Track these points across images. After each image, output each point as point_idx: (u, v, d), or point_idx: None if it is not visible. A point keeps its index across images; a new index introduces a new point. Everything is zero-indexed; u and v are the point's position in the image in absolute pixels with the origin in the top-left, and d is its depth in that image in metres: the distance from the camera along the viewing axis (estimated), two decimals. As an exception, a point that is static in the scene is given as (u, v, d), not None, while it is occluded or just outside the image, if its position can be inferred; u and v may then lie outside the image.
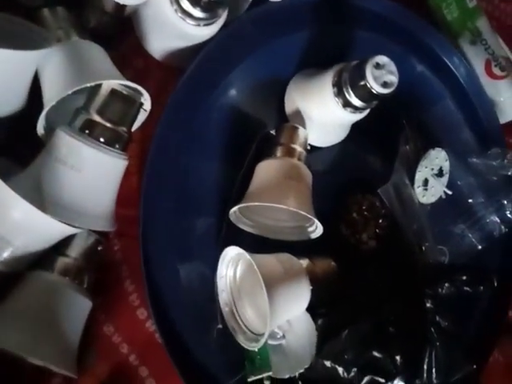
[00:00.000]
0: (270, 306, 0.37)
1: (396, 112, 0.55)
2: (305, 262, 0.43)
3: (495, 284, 0.46)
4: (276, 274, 0.38)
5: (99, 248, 0.40)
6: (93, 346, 0.41)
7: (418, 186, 0.55)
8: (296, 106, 0.47)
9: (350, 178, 0.51)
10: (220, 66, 0.46)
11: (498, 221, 0.59)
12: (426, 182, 0.56)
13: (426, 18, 0.61)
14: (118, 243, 0.43)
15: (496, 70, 0.61)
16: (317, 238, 0.48)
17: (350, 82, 0.42)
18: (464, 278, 0.44)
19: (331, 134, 0.49)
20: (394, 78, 0.41)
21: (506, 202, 0.59)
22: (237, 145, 0.46)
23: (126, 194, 0.42)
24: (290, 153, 0.44)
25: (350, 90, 0.43)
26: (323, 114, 0.46)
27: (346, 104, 0.44)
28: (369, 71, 0.40)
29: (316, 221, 0.42)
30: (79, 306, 0.38)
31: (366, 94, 0.42)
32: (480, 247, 0.58)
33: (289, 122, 0.47)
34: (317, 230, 0.44)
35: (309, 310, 0.44)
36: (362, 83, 0.41)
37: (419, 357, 0.41)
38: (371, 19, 0.52)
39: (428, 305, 0.44)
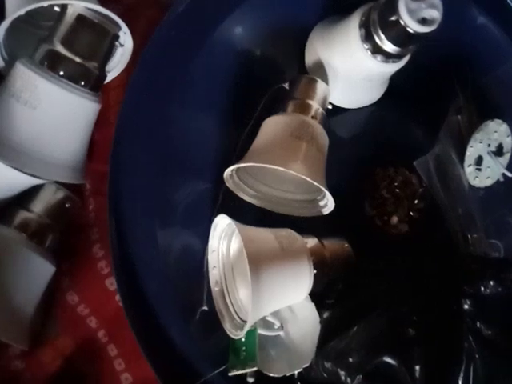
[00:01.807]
0: (254, 288, 0.29)
1: (447, 73, 0.44)
2: (312, 242, 0.35)
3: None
4: (269, 252, 0.31)
5: (67, 205, 0.34)
6: (55, 315, 0.35)
7: (470, 165, 0.45)
8: (318, 56, 0.39)
9: (381, 149, 0.42)
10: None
11: None
12: (479, 161, 0.45)
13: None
14: (93, 202, 0.38)
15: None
16: (334, 216, 0.39)
17: (379, 20, 0.33)
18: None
19: (359, 92, 0.40)
20: (436, 14, 0.32)
21: None
22: (242, 98, 0.38)
23: (106, 148, 0.36)
24: (303, 109, 0.36)
25: (379, 31, 0.34)
26: (349, 66, 0.37)
27: (376, 50, 0.35)
28: (402, 3, 0.31)
29: (326, 192, 0.34)
30: (37, 269, 0.33)
31: (399, 35, 0.33)
32: (545, 244, 0.47)
33: (307, 75, 0.39)
34: (328, 204, 0.35)
35: (315, 298, 0.36)
36: (394, 19, 0.32)
37: (448, 370, 0.32)
38: None
39: (466, 306, 0.34)
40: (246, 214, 0.39)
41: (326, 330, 0.34)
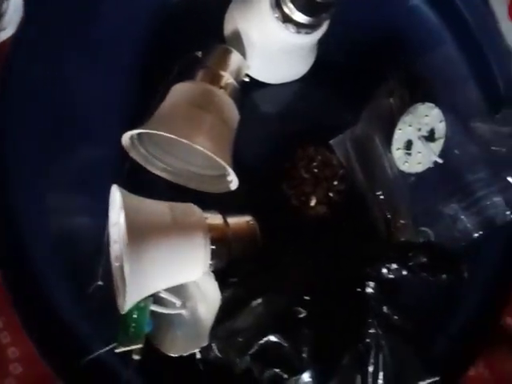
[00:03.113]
0: (131, 261, 0.27)
1: (379, 54, 0.43)
2: (213, 218, 0.33)
3: (465, 275, 0.33)
4: (157, 224, 0.29)
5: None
6: None
7: (398, 149, 0.43)
8: (236, 26, 0.37)
9: (305, 127, 0.40)
10: None
11: (503, 204, 0.46)
12: (409, 145, 0.44)
13: None
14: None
15: (522, 16, 0.47)
16: (251, 194, 0.38)
17: None
18: (423, 260, 0.32)
19: (280, 66, 0.38)
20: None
21: (515, 181, 0.46)
22: (155, 62, 0.36)
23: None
24: (212, 79, 0.34)
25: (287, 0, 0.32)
26: (264, 37, 0.35)
27: (286, 19, 0.33)
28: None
29: (228, 168, 0.32)
30: None
31: (305, 2, 0.31)
32: (476, 235, 0.45)
33: (223, 45, 0.37)
34: (233, 179, 0.34)
35: (218, 276, 0.34)
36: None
37: (338, 353, 0.30)
38: None
39: (370, 290, 0.32)
40: (158, 187, 0.37)
41: (225, 309, 0.32)
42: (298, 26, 0.33)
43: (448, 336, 0.41)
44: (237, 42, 0.37)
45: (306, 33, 0.34)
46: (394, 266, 0.32)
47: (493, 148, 0.45)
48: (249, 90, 0.38)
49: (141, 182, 0.36)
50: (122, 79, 0.36)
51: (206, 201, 0.37)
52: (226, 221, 0.33)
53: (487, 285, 0.45)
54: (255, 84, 0.39)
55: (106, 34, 0.35)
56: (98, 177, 0.34)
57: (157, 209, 0.30)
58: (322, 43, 0.41)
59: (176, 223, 0.30)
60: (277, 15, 0.33)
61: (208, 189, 0.36)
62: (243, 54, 0.37)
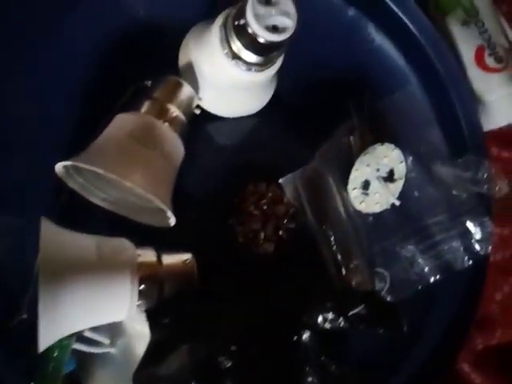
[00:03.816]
0: (45, 300, 0.26)
1: (342, 91, 0.42)
2: (146, 255, 0.31)
3: (405, 330, 0.32)
4: (80, 261, 0.27)
5: None
6: None
7: (354, 188, 0.42)
8: (189, 57, 0.36)
9: (257, 162, 0.39)
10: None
11: (462, 249, 0.45)
12: (366, 185, 0.42)
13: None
14: None
15: (490, 61, 0.46)
16: (198, 229, 0.37)
17: (233, 25, 0.30)
18: (362, 311, 0.31)
19: (232, 101, 0.37)
20: (288, 22, 0.29)
21: (473, 227, 0.45)
22: (104, 87, 0.35)
23: None
24: (157, 111, 0.33)
25: (233, 35, 0.31)
26: (214, 71, 0.34)
27: (234, 56, 0.32)
28: (250, 7, 0.29)
29: (162, 206, 0.30)
30: None
31: (250, 42, 0.30)
32: (432, 279, 0.44)
33: (175, 76, 0.36)
34: (171, 217, 0.32)
35: (150, 316, 0.32)
36: (242, 23, 0.29)
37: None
38: None
39: (305, 336, 0.31)
40: (98, 215, 0.35)
41: (151, 352, 0.31)
42: (248, 63, 0.32)
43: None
44: (190, 73, 0.36)
45: (258, 70, 0.33)
46: (331, 315, 0.31)
47: (453, 192, 0.44)
48: (202, 121, 0.37)
49: (83, 213, 0.35)
50: (68, 105, 0.34)
51: (151, 233, 0.35)
52: (159, 259, 0.32)
53: (442, 331, 0.44)
54: (209, 115, 0.38)
55: (56, 58, 0.34)
56: (32, 206, 0.33)
57: (82, 244, 0.28)
58: (281, 77, 0.40)
59: (102, 260, 0.28)
60: (226, 51, 0.32)
61: (148, 221, 0.34)
62: (195, 86, 0.36)
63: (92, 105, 0.35)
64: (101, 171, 0.28)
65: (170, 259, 0.32)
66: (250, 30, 0.29)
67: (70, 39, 0.34)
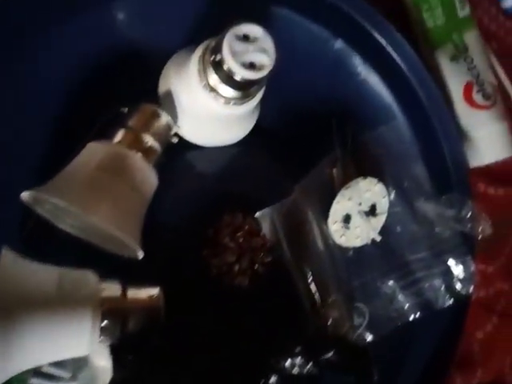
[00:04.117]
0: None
1: (325, 125, 0.41)
2: (110, 289, 0.30)
3: (375, 378, 0.31)
4: (37, 295, 0.26)
5: None
6: None
7: (335, 222, 0.41)
8: (169, 84, 0.35)
9: (235, 193, 0.38)
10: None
11: (443, 288, 0.44)
12: (347, 219, 0.42)
13: (397, 18, 0.47)
14: None
15: (477, 97, 0.46)
16: (172, 261, 0.36)
17: (210, 57, 0.30)
18: (332, 357, 0.30)
19: (211, 131, 0.36)
20: (265, 60, 0.29)
21: (456, 265, 0.44)
22: (80, 112, 0.34)
23: None
24: (131, 141, 0.32)
25: (211, 69, 0.30)
26: (192, 102, 0.33)
27: (212, 89, 0.31)
28: (227, 43, 0.28)
29: (127, 240, 0.29)
30: None
31: (226, 77, 0.29)
32: (412, 317, 0.43)
33: (152, 104, 0.35)
34: (139, 251, 0.31)
35: (114, 352, 0.31)
36: (218, 59, 0.29)
37: None
38: None
39: (272, 380, 0.30)
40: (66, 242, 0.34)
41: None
42: (226, 98, 0.31)
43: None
44: (169, 101, 0.35)
45: (237, 104, 0.32)
46: (300, 360, 0.29)
47: (436, 230, 0.44)
48: (180, 148, 0.36)
49: (50, 241, 0.34)
50: (42, 130, 0.34)
51: (121, 263, 0.34)
52: (124, 293, 0.31)
53: (421, 370, 0.43)
54: (187, 143, 0.37)
55: (32, 83, 0.34)
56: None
57: (42, 277, 0.27)
58: (264, 106, 0.39)
59: (62, 294, 0.27)
60: (204, 83, 0.31)
61: (118, 251, 0.33)
62: (174, 114, 0.35)
63: (67, 130, 0.34)
64: (62, 204, 0.27)
65: (135, 294, 0.31)
66: (225, 67, 0.28)
67: (45, 63, 0.34)
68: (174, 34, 0.37)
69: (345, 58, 0.41)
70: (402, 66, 0.41)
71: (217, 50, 0.28)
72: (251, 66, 0.28)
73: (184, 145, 0.37)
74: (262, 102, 0.37)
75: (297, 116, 0.41)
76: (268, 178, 0.40)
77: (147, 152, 0.32)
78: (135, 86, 0.36)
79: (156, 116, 0.33)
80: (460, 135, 0.46)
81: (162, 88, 0.36)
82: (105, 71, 0.35)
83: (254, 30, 0.28)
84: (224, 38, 0.27)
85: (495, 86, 0.47)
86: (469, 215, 0.42)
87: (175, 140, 0.35)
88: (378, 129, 0.43)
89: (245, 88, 0.30)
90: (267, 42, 0.28)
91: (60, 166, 0.32)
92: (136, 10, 0.35)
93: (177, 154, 0.37)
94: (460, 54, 0.47)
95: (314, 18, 0.39)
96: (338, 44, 0.40)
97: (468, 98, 0.46)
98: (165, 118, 0.34)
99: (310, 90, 0.41)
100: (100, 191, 0.29)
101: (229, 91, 0.30)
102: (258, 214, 0.36)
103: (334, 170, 0.42)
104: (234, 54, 0.28)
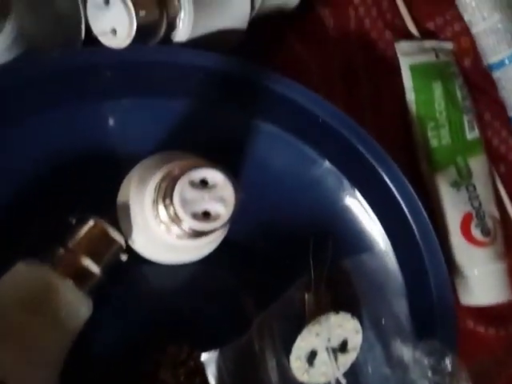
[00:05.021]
0: None
1: (303, 246, 0.37)
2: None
3: None
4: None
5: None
6: None
7: (298, 358, 0.37)
8: (127, 196, 0.31)
9: (185, 318, 0.33)
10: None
11: None
12: (312, 355, 0.37)
13: (398, 133, 0.44)
14: None
15: (476, 232, 0.42)
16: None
17: (164, 194, 0.26)
18: None
19: (168, 252, 0.32)
20: (222, 210, 0.25)
21: (428, 421, 0.39)
22: (26, 224, 0.31)
23: None
24: (69, 264, 0.28)
25: (162, 208, 0.26)
26: (146, 225, 0.29)
27: (163, 224, 0.27)
28: (178, 190, 0.24)
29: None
30: None
31: (176, 221, 0.26)
32: None
33: (100, 219, 0.31)
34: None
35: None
36: (168, 203, 0.25)
37: None
38: (285, 110, 0.35)
39: None
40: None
41: None
42: (178, 235, 0.27)
43: None
44: (125, 214, 0.31)
45: (191, 238, 0.28)
46: None
47: (410, 376, 0.39)
48: (130, 261, 0.32)
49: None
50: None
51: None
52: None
53: None
54: (139, 257, 0.33)
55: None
56: None
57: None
58: (238, 221, 0.36)
59: None
60: (156, 214, 0.27)
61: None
62: (129, 228, 0.31)
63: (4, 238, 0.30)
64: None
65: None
66: (173, 213, 0.24)
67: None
68: (146, 141, 0.33)
69: (331, 179, 0.37)
70: (393, 194, 0.37)
71: (166, 194, 0.24)
72: (205, 215, 0.24)
73: (135, 258, 0.33)
74: (237, 216, 0.34)
75: (273, 234, 0.37)
76: (227, 302, 0.35)
77: (84, 277, 0.28)
78: (92, 193, 0.32)
79: (104, 236, 0.29)
80: (452, 270, 0.42)
81: (120, 198, 0.32)
82: (60, 173, 0.32)
83: (213, 175, 0.24)
84: (177, 183, 0.24)
85: (497, 219, 0.42)
86: (448, 369, 0.38)
87: (124, 258, 0.31)
88: (360, 255, 0.39)
89: (198, 235, 0.26)
90: (227, 190, 0.24)
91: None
92: (106, 111, 0.32)
93: (125, 268, 0.32)
94: (462, 180, 0.43)
95: (302, 136, 0.35)
96: (326, 164, 0.37)
97: (466, 231, 0.42)
98: (115, 238, 0.30)
99: (290, 208, 0.37)
100: (10, 330, 0.25)
101: (180, 233, 0.26)
102: (203, 357, 0.32)
103: (306, 296, 0.38)
104: (184, 202, 0.24)
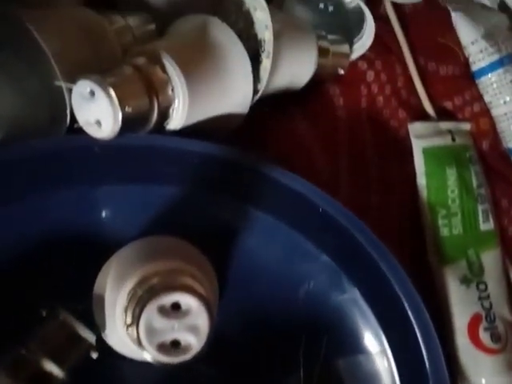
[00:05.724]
0: None
1: (295, 343, 0.34)
2: None
3: None
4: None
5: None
6: None
7: None
8: (103, 289, 0.29)
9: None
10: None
11: None
12: None
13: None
14: None
15: (485, 337, 0.38)
16: None
17: (132, 314, 0.23)
18: None
19: (138, 350, 0.30)
20: (193, 341, 0.22)
21: None
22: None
23: None
24: (29, 370, 0.26)
25: (130, 320, 0.24)
26: (117, 325, 0.27)
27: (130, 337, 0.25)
28: (145, 317, 0.21)
29: None
30: None
31: (142, 347, 0.23)
32: None
33: (69, 315, 0.28)
34: None
35: None
36: (134, 326, 0.22)
37: None
38: (280, 199, 0.32)
39: None
40: None
41: None
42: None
43: None
44: (100, 305, 0.29)
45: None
46: None
47: None
48: (103, 356, 0.30)
49: None
50: None
51: None
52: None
53: None
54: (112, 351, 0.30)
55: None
56: None
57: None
58: (227, 313, 0.33)
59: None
60: (124, 319, 0.24)
61: None
62: (103, 320, 0.28)
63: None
64: None
65: None
66: (139, 339, 0.22)
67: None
68: (134, 226, 0.31)
69: (329, 273, 0.34)
70: (398, 297, 0.34)
71: (134, 315, 0.22)
72: (173, 345, 0.22)
73: (108, 351, 0.30)
74: (226, 309, 0.31)
75: (262, 328, 0.34)
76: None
77: (43, 382, 0.26)
78: (73, 278, 0.30)
79: (72, 334, 0.27)
80: (458, 376, 0.38)
81: (96, 289, 0.29)
82: (42, 256, 0.30)
83: (187, 301, 0.22)
84: (143, 309, 0.21)
85: (509, 323, 0.39)
86: None
87: (95, 356, 0.29)
88: (354, 356, 0.36)
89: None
90: (201, 319, 0.22)
91: None
92: (94, 197, 0.30)
93: (97, 363, 0.30)
94: (473, 276, 0.39)
95: (298, 226, 0.33)
96: (323, 258, 0.34)
97: (473, 334, 0.38)
98: (84, 337, 0.27)
99: (282, 302, 0.34)
100: None
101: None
102: None
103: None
104: (150, 332, 0.21)
